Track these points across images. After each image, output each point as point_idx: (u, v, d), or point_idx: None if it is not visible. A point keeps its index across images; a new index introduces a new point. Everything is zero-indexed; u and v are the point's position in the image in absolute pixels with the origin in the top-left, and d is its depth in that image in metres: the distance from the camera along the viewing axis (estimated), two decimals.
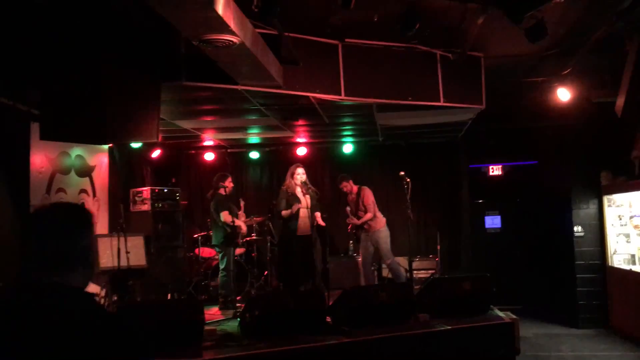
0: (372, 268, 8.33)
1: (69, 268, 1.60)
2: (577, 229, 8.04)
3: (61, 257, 1.59)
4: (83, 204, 5.14)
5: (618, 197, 7.67)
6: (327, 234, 7.42)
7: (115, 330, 1.54)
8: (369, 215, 7.78)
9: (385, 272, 8.81)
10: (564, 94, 7.02)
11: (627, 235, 7.46)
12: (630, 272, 7.19)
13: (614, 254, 7.73)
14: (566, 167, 8.33)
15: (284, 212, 7.20)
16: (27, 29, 4.87)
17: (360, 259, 8.25)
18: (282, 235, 7.41)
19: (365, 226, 7.86)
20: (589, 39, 5.76)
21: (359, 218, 7.91)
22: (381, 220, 7.86)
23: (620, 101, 6.06)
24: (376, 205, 7.90)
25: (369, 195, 7.86)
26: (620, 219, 7.62)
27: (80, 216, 1.69)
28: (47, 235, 1.60)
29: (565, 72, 6.79)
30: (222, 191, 7.50)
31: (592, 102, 7.27)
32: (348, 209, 8.03)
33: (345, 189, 8.18)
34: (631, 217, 7.30)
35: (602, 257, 7.93)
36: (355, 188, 8.06)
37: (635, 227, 7.19)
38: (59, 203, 1.80)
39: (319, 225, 7.38)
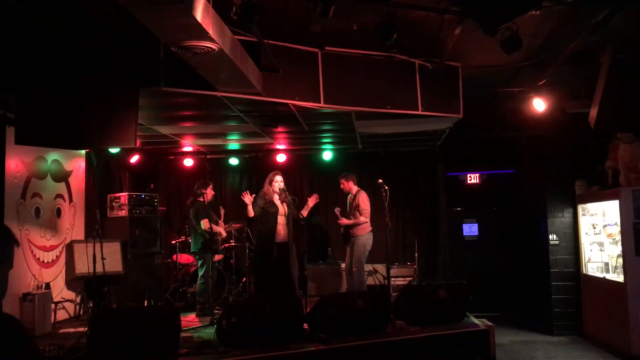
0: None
1: None
2: (552, 237, 8.15)
3: None
4: None
5: (592, 206, 7.80)
6: (305, 241, 7.42)
7: None
8: (362, 219, 7.70)
9: (370, 280, 8.82)
10: (539, 105, 7.12)
11: (601, 244, 7.57)
12: (603, 280, 7.31)
13: (588, 262, 7.86)
14: (542, 176, 8.44)
15: (250, 214, 7.15)
16: (3, 33, 4.82)
17: (343, 265, 8.18)
18: (259, 242, 7.39)
19: (352, 230, 7.83)
20: (563, 51, 5.86)
21: (349, 219, 7.89)
22: (367, 228, 7.85)
23: (593, 112, 6.19)
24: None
25: (366, 201, 7.84)
26: (594, 228, 7.74)
27: None
28: None
29: (541, 83, 6.90)
30: (201, 199, 7.48)
31: (567, 113, 7.38)
32: (338, 209, 7.97)
33: (342, 187, 8.13)
34: (605, 226, 7.41)
35: (576, 265, 8.05)
36: (355, 189, 8.03)
37: (609, 235, 7.30)
38: None
39: (296, 231, 7.35)
